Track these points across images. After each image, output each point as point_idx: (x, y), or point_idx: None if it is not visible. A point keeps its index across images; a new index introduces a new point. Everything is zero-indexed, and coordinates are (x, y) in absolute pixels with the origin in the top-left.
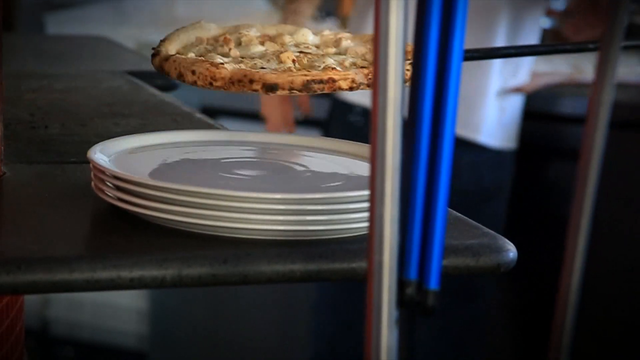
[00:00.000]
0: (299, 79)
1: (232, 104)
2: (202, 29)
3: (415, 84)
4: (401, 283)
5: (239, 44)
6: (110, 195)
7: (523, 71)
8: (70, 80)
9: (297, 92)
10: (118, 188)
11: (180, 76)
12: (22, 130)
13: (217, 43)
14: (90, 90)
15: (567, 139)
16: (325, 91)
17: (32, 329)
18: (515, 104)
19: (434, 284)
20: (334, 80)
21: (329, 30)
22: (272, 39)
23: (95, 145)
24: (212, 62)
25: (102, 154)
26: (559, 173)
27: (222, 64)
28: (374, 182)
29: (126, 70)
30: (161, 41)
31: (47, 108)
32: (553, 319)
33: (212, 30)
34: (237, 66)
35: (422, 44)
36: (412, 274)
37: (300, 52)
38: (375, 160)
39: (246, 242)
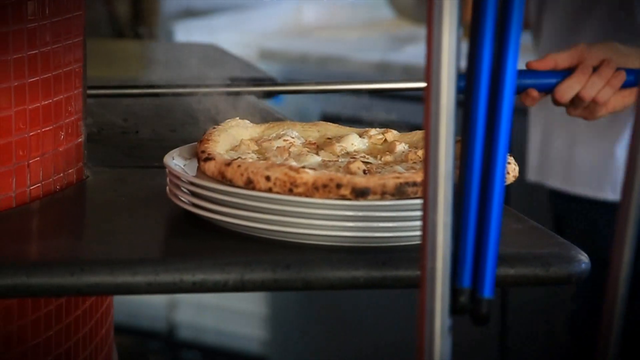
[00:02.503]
0: (391, 182)
1: (353, 112)
2: (238, 128)
3: (470, 88)
4: (454, 291)
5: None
6: (182, 199)
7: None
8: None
9: (389, 196)
10: (191, 193)
11: (249, 183)
12: (113, 135)
13: (262, 149)
14: (187, 97)
15: None
16: (419, 195)
17: (159, 332)
18: None
19: (488, 292)
20: None
21: (375, 130)
22: (318, 147)
23: (173, 150)
24: (291, 166)
25: (180, 159)
26: None
27: (303, 167)
28: (427, 188)
29: (229, 76)
30: (202, 143)
31: (142, 114)
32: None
33: (249, 128)
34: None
35: (476, 55)
36: (466, 281)
37: (363, 162)
38: (428, 167)
39: (310, 247)
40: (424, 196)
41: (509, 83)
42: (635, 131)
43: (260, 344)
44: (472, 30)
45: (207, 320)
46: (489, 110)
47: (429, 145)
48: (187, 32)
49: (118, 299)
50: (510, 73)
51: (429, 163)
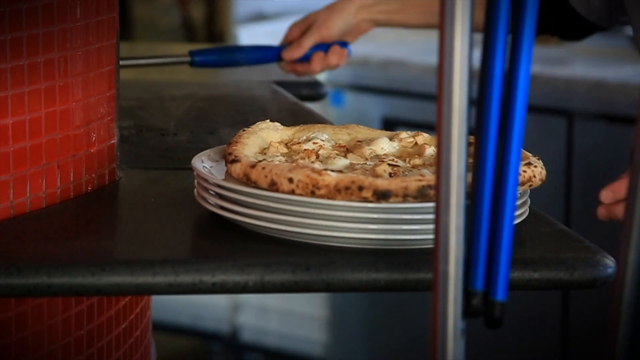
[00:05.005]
0: (413, 184)
1: (415, 116)
2: (268, 130)
3: (482, 90)
4: (467, 294)
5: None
6: (208, 201)
7: None
8: (215, 89)
9: (411, 199)
10: (217, 195)
11: (273, 185)
12: (151, 137)
13: (292, 151)
14: (232, 99)
15: None
16: None
17: (222, 334)
18: None
19: (500, 295)
20: None
21: (405, 133)
22: (347, 150)
23: (202, 152)
24: (313, 168)
25: (209, 161)
26: None
27: (325, 169)
28: (439, 191)
29: (275, 80)
30: (230, 145)
31: (183, 116)
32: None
33: (279, 130)
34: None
35: (489, 57)
36: (479, 284)
37: (390, 165)
38: (440, 170)
39: (331, 249)
40: (436, 199)
41: (523, 85)
42: None
43: (322, 347)
44: (484, 32)
45: (269, 323)
46: (502, 113)
47: (441, 148)
48: (252, 36)
49: (182, 301)
50: (523, 74)
51: (441, 165)
